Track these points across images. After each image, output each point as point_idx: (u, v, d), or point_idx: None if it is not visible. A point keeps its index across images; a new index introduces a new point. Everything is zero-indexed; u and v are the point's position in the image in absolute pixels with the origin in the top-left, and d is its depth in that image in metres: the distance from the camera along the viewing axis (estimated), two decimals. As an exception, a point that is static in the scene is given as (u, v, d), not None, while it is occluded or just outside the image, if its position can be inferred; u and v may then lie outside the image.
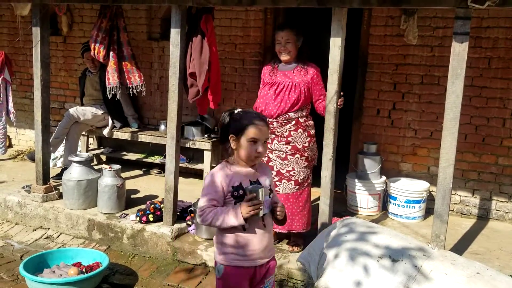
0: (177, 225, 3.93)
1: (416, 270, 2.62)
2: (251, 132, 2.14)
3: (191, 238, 3.90)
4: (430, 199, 4.31)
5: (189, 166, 5.36)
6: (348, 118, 4.95)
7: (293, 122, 3.50)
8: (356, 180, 4.48)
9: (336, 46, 3.27)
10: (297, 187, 3.55)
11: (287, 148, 3.50)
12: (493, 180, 4.37)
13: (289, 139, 3.50)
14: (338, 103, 3.39)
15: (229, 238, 2.18)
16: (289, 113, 3.49)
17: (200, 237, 3.88)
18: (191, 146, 5.20)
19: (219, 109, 5.35)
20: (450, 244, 3.67)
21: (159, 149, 5.45)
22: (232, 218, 2.09)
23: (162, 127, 5.35)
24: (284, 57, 3.52)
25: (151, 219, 3.99)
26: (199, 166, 5.31)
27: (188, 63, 4.15)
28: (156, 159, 5.54)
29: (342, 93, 3.43)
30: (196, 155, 5.45)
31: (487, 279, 2.67)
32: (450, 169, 3.08)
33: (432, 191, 4.38)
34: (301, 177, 3.55)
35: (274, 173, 3.53)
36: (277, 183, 3.54)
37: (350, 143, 5.01)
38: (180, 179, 5.11)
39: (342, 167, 4.59)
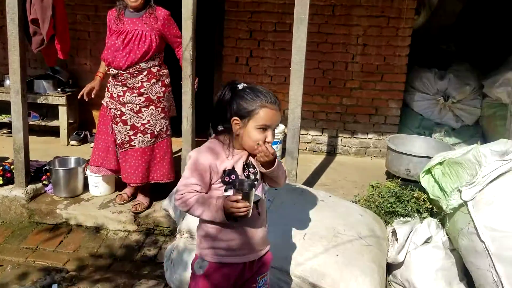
0: (31, 186, 3.68)
1: (269, 202, 2.86)
2: (262, 117, 1.73)
3: (48, 198, 3.70)
4: (286, 140, 4.64)
5: (43, 123, 4.98)
6: (211, 67, 5.00)
7: (145, 73, 3.34)
8: (219, 127, 4.61)
9: (187, -9, 3.23)
10: (153, 139, 3.45)
11: (140, 100, 3.36)
12: (339, 119, 4.85)
13: (142, 90, 3.34)
14: (194, 86, 3.39)
15: (217, 230, 1.80)
16: (140, 64, 3.32)
17: (58, 196, 3.69)
18: (44, 102, 4.83)
19: (72, 61, 5.02)
20: (303, 178, 4.04)
21: (7, 107, 4.92)
22: (214, 213, 1.72)
23: (7, 82, 4.84)
24: (133, 3, 3.28)
25: (0, 182, 3.68)
26: (54, 123, 4.96)
27: (29, 9, 3.75)
28: (4, 118, 5.03)
29: (197, 78, 3.44)
30: (50, 112, 5.08)
31: (330, 205, 3.03)
32: (298, 110, 3.34)
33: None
34: (158, 129, 3.45)
35: (129, 127, 3.39)
36: (132, 137, 3.40)
37: (213, 91, 5.09)
38: (34, 138, 4.76)
39: (207, 115, 4.66)
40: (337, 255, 2.56)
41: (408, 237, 2.89)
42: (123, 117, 3.40)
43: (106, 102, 3.48)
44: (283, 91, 4.79)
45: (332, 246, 2.63)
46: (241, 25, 4.74)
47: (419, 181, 3.15)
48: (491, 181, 2.59)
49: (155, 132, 3.45)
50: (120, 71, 3.33)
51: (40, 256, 3.16)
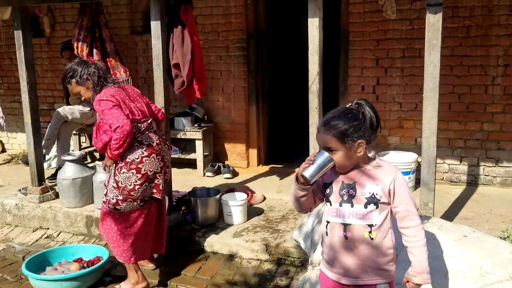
0: (173, 215, 4.00)
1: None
2: None
3: (188, 226, 3.98)
4: (419, 170, 4.38)
5: (182, 156, 5.42)
6: (335, 97, 5.01)
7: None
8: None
9: (314, 27, 3.31)
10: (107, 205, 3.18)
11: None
12: (480, 146, 4.46)
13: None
14: None
15: (320, 237, 1.97)
16: None
17: (196, 224, 3.95)
18: (182, 137, 5.26)
19: (206, 98, 5.41)
20: (440, 211, 3.76)
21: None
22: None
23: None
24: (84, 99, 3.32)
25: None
26: (191, 156, 5.37)
27: (171, 54, 4.18)
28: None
29: None
30: (188, 146, 5.51)
31: (474, 241, 2.77)
32: (433, 138, 3.16)
33: (420, 161, 4.46)
34: (110, 195, 3.15)
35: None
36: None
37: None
38: (175, 169, 5.17)
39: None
40: (486, 298, 2.31)
41: None
42: None
43: None
44: (414, 118, 4.60)
45: (479, 286, 2.39)
46: (366, 54, 4.69)
47: None
48: None
49: (110, 200, 3.17)
50: None
51: (182, 281, 3.39)
